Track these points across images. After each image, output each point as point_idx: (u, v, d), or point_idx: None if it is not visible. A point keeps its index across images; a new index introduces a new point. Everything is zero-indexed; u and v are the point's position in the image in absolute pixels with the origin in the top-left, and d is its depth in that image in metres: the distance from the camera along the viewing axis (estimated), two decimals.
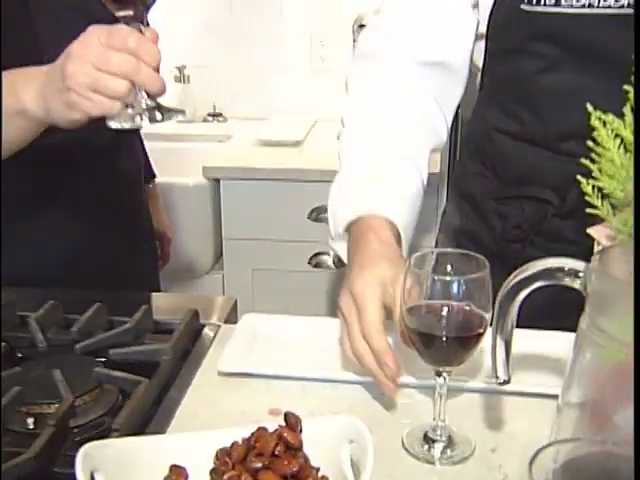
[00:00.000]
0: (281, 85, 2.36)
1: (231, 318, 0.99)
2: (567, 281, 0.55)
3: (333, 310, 1.93)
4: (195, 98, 2.39)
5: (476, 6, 0.95)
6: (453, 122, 1.04)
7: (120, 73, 0.73)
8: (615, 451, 0.49)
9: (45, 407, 0.76)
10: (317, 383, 0.80)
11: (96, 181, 1.13)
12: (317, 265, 1.97)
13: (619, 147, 0.63)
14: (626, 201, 0.63)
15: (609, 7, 0.83)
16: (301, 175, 1.89)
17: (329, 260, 1.95)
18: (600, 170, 0.64)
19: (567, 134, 0.93)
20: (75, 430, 0.74)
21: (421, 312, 0.67)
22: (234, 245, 2.00)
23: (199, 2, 2.33)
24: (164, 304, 1.03)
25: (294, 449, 0.54)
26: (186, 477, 0.54)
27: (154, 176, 1.45)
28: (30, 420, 0.75)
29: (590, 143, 0.65)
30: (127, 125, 0.77)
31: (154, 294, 1.06)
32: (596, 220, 0.68)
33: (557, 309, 0.77)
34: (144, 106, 0.76)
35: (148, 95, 0.76)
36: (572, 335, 0.56)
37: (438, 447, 0.70)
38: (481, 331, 0.65)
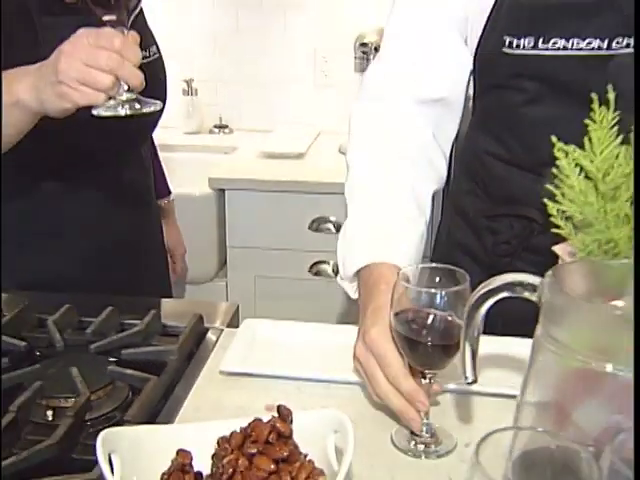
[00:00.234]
0: (285, 99, 2.43)
1: (233, 322, 1.05)
2: (526, 294, 0.62)
3: (331, 316, 2.01)
4: (202, 110, 2.46)
5: (465, 43, 1.02)
6: None
7: (106, 69, 0.83)
8: (569, 445, 0.56)
9: (63, 401, 0.83)
10: (311, 383, 0.87)
11: (103, 192, 1.20)
12: (317, 273, 2.03)
13: (579, 174, 0.71)
14: (584, 223, 0.70)
15: (581, 49, 0.90)
16: (303, 187, 1.94)
17: (329, 269, 2.02)
18: (563, 195, 0.72)
19: (549, 160, 1.00)
20: (89, 422, 0.81)
21: (408, 318, 0.74)
22: (238, 253, 2.04)
23: (207, 18, 2.41)
24: (171, 309, 1.09)
25: (285, 437, 0.61)
26: (191, 459, 0.61)
27: (169, 192, 1.52)
28: (50, 412, 0.82)
29: (554, 170, 0.72)
30: (109, 113, 0.87)
31: (162, 300, 1.13)
32: (562, 239, 0.75)
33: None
34: (124, 98, 0.87)
35: (129, 88, 0.87)
36: None
37: (423, 442, 0.77)
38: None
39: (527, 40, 0.92)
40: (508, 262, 1.06)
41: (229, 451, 0.61)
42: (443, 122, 1.05)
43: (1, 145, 0.97)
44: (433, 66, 1.02)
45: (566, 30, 0.91)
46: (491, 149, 1.07)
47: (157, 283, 1.34)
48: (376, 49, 1.10)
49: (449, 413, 0.82)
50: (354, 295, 0.93)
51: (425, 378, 0.76)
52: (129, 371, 0.88)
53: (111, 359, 0.92)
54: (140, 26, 1.06)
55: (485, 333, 0.67)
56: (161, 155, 1.53)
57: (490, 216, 1.10)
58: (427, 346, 0.73)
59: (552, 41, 0.91)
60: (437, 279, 0.76)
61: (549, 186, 0.72)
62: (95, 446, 0.62)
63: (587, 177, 0.71)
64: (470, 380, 0.67)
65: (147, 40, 1.21)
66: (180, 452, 0.62)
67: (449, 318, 0.73)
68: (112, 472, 0.60)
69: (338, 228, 1.86)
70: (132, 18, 0.88)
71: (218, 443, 0.63)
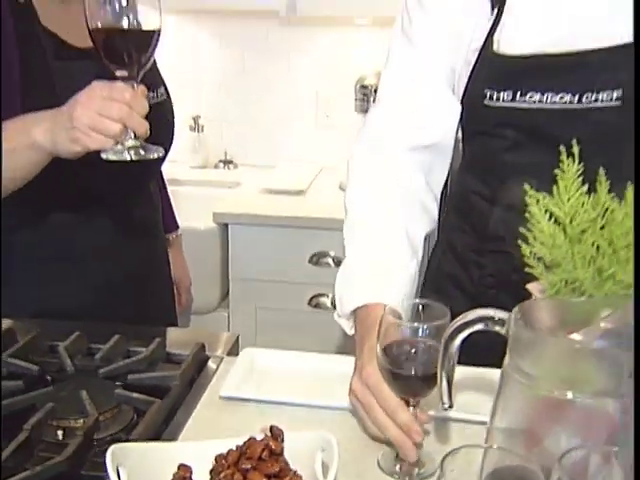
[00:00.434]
0: (288, 137, 2.51)
1: (233, 351, 1.11)
2: (496, 328, 0.69)
3: (329, 347, 2.06)
4: (208, 146, 2.54)
5: (453, 92, 1.09)
6: None
7: (117, 118, 0.92)
8: (526, 464, 0.62)
9: (73, 422, 0.89)
10: (303, 408, 0.93)
11: (112, 226, 1.26)
12: (316, 306, 2.07)
13: (549, 219, 0.78)
14: (554, 263, 0.77)
15: (555, 103, 0.98)
16: (303, 222, 2.00)
17: (327, 302, 2.06)
18: (534, 237, 0.79)
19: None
20: (97, 441, 0.86)
21: (392, 351, 0.80)
22: (240, 285, 2.09)
23: (215, 59, 2.50)
24: (175, 337, 1.15)
25: (277, 454, 0.68)
26: (191, 474, 0.68)
27: (177, 227, 1.59)
28: (60, 432, 0.88)
29: (527, 215, 0.79)
30: (116, 157, 0.96)
31: (167, 329, 1.19)
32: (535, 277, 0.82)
33: None
34: (130, 144, 0.95)
35: (135, 135, 0.95)
36: None
37: (408, 466, 0.82)
38: None
39: (506, 93, 1.01)
40: (493, 294, 1.13)
41: (226, 467, 0.67)
42: (434, 167, 1.13)
43: (2, 182, 1.04)
44: (424, 115, 1.09)
45: (541, 85, 0.99)
46: (477, 189, 1.15)
47: (163, 313, 1.40)
48: (375, 91, 1.19)
49: (430, 438, 0.88)
50: (350, 332, 1.00)
51: (409, 405, 0.82)
52: (135, 395, 0.93)
53: (118, 383, 0.98)
54: (149, 69, 1.14)
55: (460, 363, 0.74)
56: (169, 188, 1.59)
57: (477, 251, 1.17)
58: (409, 377, 0.79)
59: (529, 95, 0.99)
60: (422, 313, 0.83)
61: (522, 229, 0.79)
62: (103, 463, 0.68)
63: (556, 222, 0.78)
64: (447, 406, 0.73)
65: (156, 82, 1.29)
66: (181, 467, 0.68)
67: (430, 350, 0.79)
68: None
69: (337, 262, 1.91)
70: (142, 73, 0.96)
71: (216, 459, 0.70)
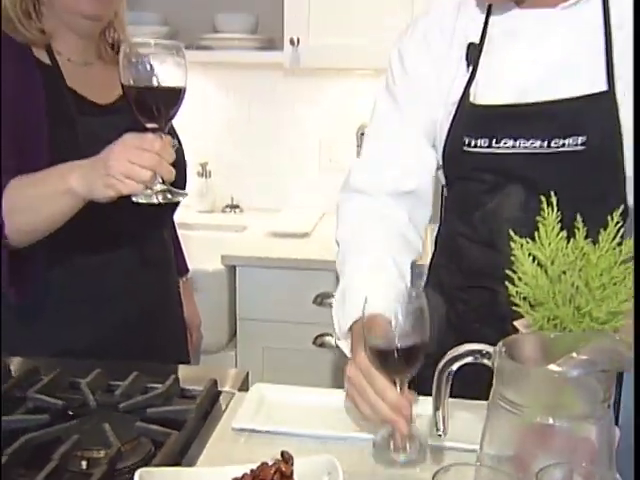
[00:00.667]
0: (293, 181, 2.60)
1: (243, 387, 1.18)
2: (484, 361, 0.76)
3: (334, 384, 2.10)
4: (215, 191, 2.63)
5: (434, 146, 1.21)
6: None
7: (148, 166, 1.02)
8: None
9: (95, 452, 0.95)
10: (310, 439, 0.99)
11: (130, 269, 1.34)
12: (321, 345, 2.12)
13: (532, 262, 0.86)
14: (537, 302, 0.85)
15: (526, 148, 1.10)
16: (308, 264, 2.06)
17: (332, 341, 2.09)
18: (519, 278, 0.87)
19: (506, 240, 1.17)
20: (117, 472, 0.92)
21: (376, 335, 0.90)
22: (247, 325, 2.15)
23: (222, 109, 2.61)
24: (188, 374, 1.21)
25: (287, 477, 0.75)
26: None
27: (187, 270, 1.67)
28: (84, 462, 0.94)
29: (512, 258, 0.87)
30: (146, 201, 1.06)
31: (181, 366, 1.26)
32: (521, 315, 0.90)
33: None
34: (159, 188, 1.05)
35: (163, 181, 1.05)
36: None
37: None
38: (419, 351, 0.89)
39: (483, 140, 1.12)
40: (477, 328, 1.22)
41: None
42: (415, 209, 1.24)
43: (38, 226, 1.14)
44: (403, 166, 1.21)
45: (513, 132, 1.10)
46: (460, 229, 1.25)
47: (176, 350, 1.47)
48: None
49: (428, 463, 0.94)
50: (350, 353, 1.07)
51: (396, 386, 0.90)
52: (153, 426, 1.00)
53: (137, 417, 1.03)
54: None
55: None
56: (178, 232, 1.65)
57: (461, 287, 1.26)
58: (390, 353, 0.89)
59: (503, 141, 1.11)
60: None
61: (508, 271, 0.87)
62: None
63: (538, 264, 0.86)
64: (441, 432, 0.80)
65: (170, 132, 1.38)
66: None
67: (411, 330, 0.89)
68: None
69: None
70: (169, 125, 1.06)
71: None
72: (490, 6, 1.14)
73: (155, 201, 1.05)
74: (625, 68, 1.05)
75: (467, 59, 1.15)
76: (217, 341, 2.15)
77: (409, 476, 0.91)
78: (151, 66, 1.01)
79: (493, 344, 0.77)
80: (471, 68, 1.14)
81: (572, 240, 0.86)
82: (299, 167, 2.59)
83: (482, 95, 1.13)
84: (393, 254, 1.15)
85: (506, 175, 1.13)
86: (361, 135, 2.31)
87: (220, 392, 1.15)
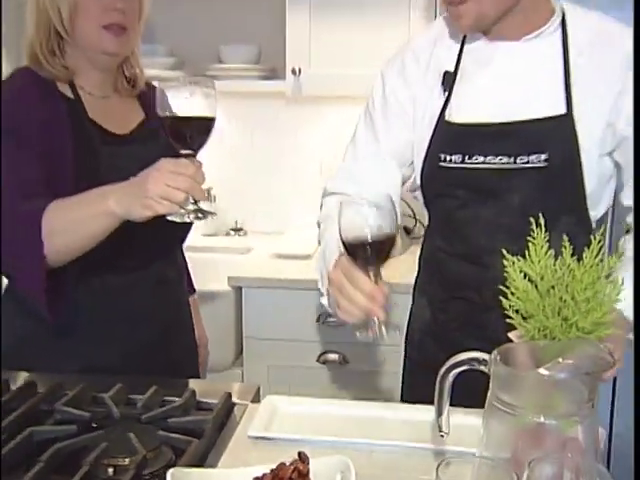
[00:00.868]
0: (295, 205, 2.67)
1: (255, 399, 1.25)
2: (481, 367, 0.84)
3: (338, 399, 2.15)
4: (220, 215, 2.66)
5: (411, 164, 1.33)
6: None
7: (182, 188, 1.11)
8: None
9: (121, 460, 1.02)
10: (322, 445, 1.05)
11: (149, 288, 1.42)
12: (325, 362, 2.19)
13: (524, 278, 0.94)
14: (528, 314, 0.93)
15: (495, 163, 1.22)
16: (311, 285, 1.98)
17: (336, 358, 2.17)
18: (512, 293, 0.95)
19: (479, 252, 1.27)
20: (142, 478, 0.99)
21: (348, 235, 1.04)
22: (253, 343, 2.21)
23: (226, 134, 2.68)
24: (203, 388, 1.27)
25: (304, 475, 0.82)
26: None
27: (194, 291, 1.75)
28: (110, 470, 1.01)
29: (505, 274, 0.96)
30: (179, 220, 1.15)
31: (197, 380, 1.34)
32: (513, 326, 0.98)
33: None
34: (191, 208, 1.15)
35: (195, 201, 1.14)
36: None
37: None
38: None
39: (457, 156, 1.24)
40: (457, 336, 1.32)
41: None
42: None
43: (74, 245, 1.22)
44: (371, 183, 1.30)
45: (484, 149, 1.22)
46: (439, 244, 1.36)
47: (190, 366, 1.55)
48: None
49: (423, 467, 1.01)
50: (330, 307, 1.17)
51: (370, 277, 1.03)
52: (174, 435, 1.07)
53: (158, 427, 1.10)
54: None
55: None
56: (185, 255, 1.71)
57: (442, 299, 1.37)
58: (362, 244, 1.02)
59: (474, 157, 1.23)
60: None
61: (502, 286, 0.95)
62: None
63: (529, 280, 0.94)
64: (444, 432, 0.88)
65: None
66: None
67: (379, 223, 1.03)
68: None
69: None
70: (200, 150, 1.15)
71: None
72: (465, 37, 1.28)
73: (187, 220, 1.14)
74: (583, 94, 1.19)
75: (443, 85, 1.28)
76: (224, 360, 2.21)
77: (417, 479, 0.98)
78: (184, 99, 1.11)
79: (473, 350, 0.85)
80: (447, 93, 1.27)
81: (560, 258, 0.94)
82: (301, 191, 2.66)
83: (456, 114, 1.26)
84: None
85: (477, 190, 1.25)
86: None
87: (234, 404, 1.22)
